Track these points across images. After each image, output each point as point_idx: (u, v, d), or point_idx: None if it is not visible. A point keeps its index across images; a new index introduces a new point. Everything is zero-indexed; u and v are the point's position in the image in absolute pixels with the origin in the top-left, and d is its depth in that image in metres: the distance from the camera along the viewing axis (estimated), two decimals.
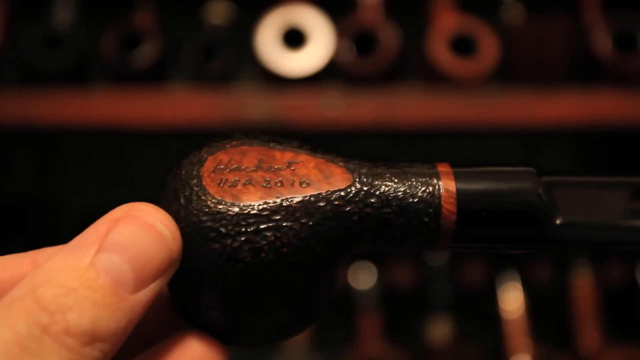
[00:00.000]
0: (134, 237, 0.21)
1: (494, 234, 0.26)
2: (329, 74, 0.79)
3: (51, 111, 0.74)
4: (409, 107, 0.74)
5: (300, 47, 0.77)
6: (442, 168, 0.26)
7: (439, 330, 0.85)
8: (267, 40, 0.77)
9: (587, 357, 0.82)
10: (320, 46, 0.77)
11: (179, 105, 0.75)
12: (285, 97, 0.74)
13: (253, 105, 0.73)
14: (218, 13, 0.83)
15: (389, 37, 0.77)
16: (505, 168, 0.26)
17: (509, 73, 0.81)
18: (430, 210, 0.25)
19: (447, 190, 0.25)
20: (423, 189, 0.25)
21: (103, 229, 0.21)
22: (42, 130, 0.77)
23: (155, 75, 0.80)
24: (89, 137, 0.92)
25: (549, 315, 0.88)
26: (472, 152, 0.92)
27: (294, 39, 0.78)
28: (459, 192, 0.25)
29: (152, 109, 0.74)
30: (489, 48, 0.77)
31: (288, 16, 0.78)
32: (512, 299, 0.84)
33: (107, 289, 0.20)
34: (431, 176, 0.26)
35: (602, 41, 0.75)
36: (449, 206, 0.25)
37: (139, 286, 0.20)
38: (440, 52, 0.76)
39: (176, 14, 0.84)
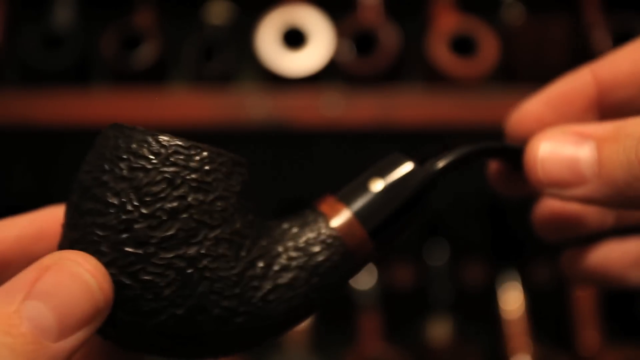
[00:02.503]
0: (60, 286, 0.21)
1: (406, 216, 0.29)
2: (329, 74, 0.79)
3: (51, 111, 0.74)
4: (409, 107, 0.74)
5: (300, 47, 0.77)
6: (327, 205, 0.29)
7: (439, 330, 0.85)
8: (267, 40, 0.77)
9: (587, 357, 0.82)
10: (320, 46, 0.77)
11: (179, 105, 0.75)
12: (285, 97, 0.74)
13: (253, 105, 0.73)
14: (218, 13, 0.83)
15: (389, 37, 0.77)
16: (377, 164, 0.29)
17: (509, 73, 0.81)
18: (338, 257, 0.27)
19: (344, 223, 0.28)
20: (320, 241, 0.27)
21: (32, 276, 0.21)
22: (42, 130, 0.77)
23: (155, 75, 0.80)
24: (89, 137, 0.91)
25: (549, 315, 0.88)
26: None
27: (294, 39, 0.78)
28: (357, 214, 0.28)
29: (152, 109, 0.74)
30: (489, 48, 0.77)
31: (288, 16, 0.78)
32: (512, 299, 0.84)
33: (29, 336, 0.20)
34: (317, 221, 0.28)
35: (602, 41, 0.75)
36: (353, 236, 0.28)
37: (62, 335, 0.21)
38: (440, 52, 0.76)
39: (176, 14, 0.84)
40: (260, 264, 0.26)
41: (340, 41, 0.77)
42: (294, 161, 0.91)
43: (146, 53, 0.77)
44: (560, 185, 0.29)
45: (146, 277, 0.24)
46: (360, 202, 0.28)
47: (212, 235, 0.25)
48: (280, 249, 0.27)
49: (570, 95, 0.33)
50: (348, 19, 0.79)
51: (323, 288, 0.27)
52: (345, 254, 0.27)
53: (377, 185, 0.28)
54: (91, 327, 0.22)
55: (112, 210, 0.24)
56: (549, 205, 0.36)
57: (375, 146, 0.91)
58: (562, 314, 0.86)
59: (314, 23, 0.78)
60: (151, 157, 0.24)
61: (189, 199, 0.24)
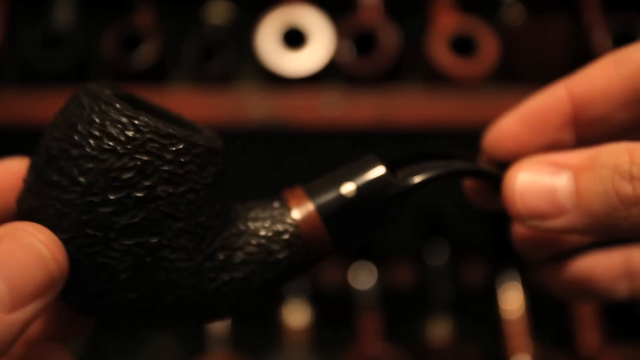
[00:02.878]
0: (12, 257, 0.21)
1: (367, 215, 0.29)
2: (329, 74, 0.79)
3: (51, 111, 0.73)
4: (409, 107, 0.74)
5: (300, 47, 0.77)
6: (295, 197, 0.29)
7: (439, 330, 0.85)
8: (267, 40, 0.77)
9: (587, 357, 0.82)
10: (320, 46, 0.77)
11: (179, 105, 0.74)
12: (285, 97, 0.74)
13: (253, 105, 0.73)
14: (218, 13, 0.83)
15: (389, 37, 0.77)
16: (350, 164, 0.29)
17: (509, 73, 0.81)
18: (296, 255, 0.28)
19: (306, 219, 0.28)
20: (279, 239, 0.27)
21: None
22: (42, 130, 0.77)
23: (155, 75, 0.80)
24: None
25: (549, 315, 0.88)
26: (472, 152, 0.92)
27: (294, 39, 0.78)
28: (322, 213, 0.28)
29: None
30: (489, 48, 0.77)
31: (288, 16, 0.78)
32: (512, 299, 0.84)
33: None
34: (282, 216, 0.28)
35: (602, 41, 0.75)
36: (313, 234, 0.28)
37: (15, 306, 0.21)
38: (440, 52, 0.76)
39: (176, 14, 0.84)
40: (221, 256, 0.26)
41: (340, 41, 0.77)
42: (294, 161, 0.91)
43: (146, 53, 0.77)
44: (539, 217, 0.29)
45: (103, 260, 0.23)
46: (326, 201, 0.28)
47: (175, 227, 0.24)
48: (241, 241, 0.27)
49: (545, 111, 0.33)
50: (348, 19, 0.79)
51: (276, 282, 0.28)
52: (304, 250, 0.28)
53: (347, 187, 0.28)
54: (46, 297, 0.22)
55: (77, 189, 0.23)
56: None
57: (375, 146, 0.91)
58: (562, 314, 0.86)
59: (314, 23, 0.78)
60: (125, 141, 0.23)
61: (158, 190, 0.24)
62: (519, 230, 0.36)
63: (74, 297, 0.25)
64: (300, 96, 0.75)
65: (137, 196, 0.23)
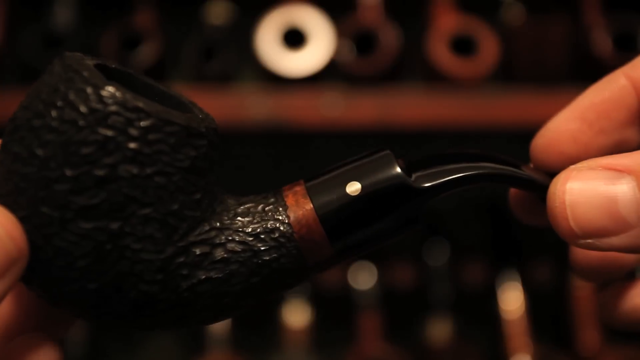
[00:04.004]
0: None
1: (374, 223, 0.25)
2: (329, 74, 0.79)
3: None
4: (409, 107, 0.74)
5: (300, 47, 0.77)
6: (293, 195, 0.25)
7: (439, 330, 0.85)
8: (267, 40, 0.77)
9: (587, 357, 0.82)
10: (320, 46, 0.77)
11: None
12: (285, 97, 0.74)
13: (253, 105, 0.73)
14: (218, 13, 0.83)
15: (389, 37, 0.77)
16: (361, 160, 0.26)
17: (509, 73, 0.81)
18: (287, 260, 0.24)
19: (304, 221, 0.24)
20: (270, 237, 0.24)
21: None
22: None
23: (155, 75, 0.80)
24: None
25: (549, 315, 0.88)
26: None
27: (294, 39, 0.78)
28: (322, 215, 0.24)
29: None
30: (489, 48, 0.76)
31: (288, 16, 0.78)
32: (512, 299, 0.84)
33: None
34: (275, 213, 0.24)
35: (602, 41, 0.75)
36: (310, 239, 0.24)
37: None
38: (440, 52, 0.76)
39: (176, 14, 0.84)
40: (197, 251, 0.23)
41: (340, 41, 0.77)
42: (294, 161, 0.91)
43: (146, 53, 0.77)
44: (597, 234, 0.23)
45: (59, 244, 0.22)
46: (327, 200, 0.24)
47: (141, 212, 0.22)
48: (223, 237, 0.24)
49: (606, 106, 0.28)
50: (348, 19, 0.79)
51: (262, 289, 0.24)
52: (296, 254, 0.24)
53: (353, 186, 0.25)
54: (7, 278, 0.21)
55: (35, 162, 0.21)
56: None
57: (375, 146, 0.91)
58: (562, 314, 0.86)
59: (314, 23, 0.78)
60: (86, 112, 0.21)
61: (121, 169, 0.21)
62: (577, 257, 0.30)
63: (36, 283, 0.23)
64: (300, 96, 0.75)
65: (96, 175, 0.21)
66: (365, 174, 0.25)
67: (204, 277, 0.23)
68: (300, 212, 0.24)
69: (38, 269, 0.22)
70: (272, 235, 0.24)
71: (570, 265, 0.31)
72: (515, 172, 0.27)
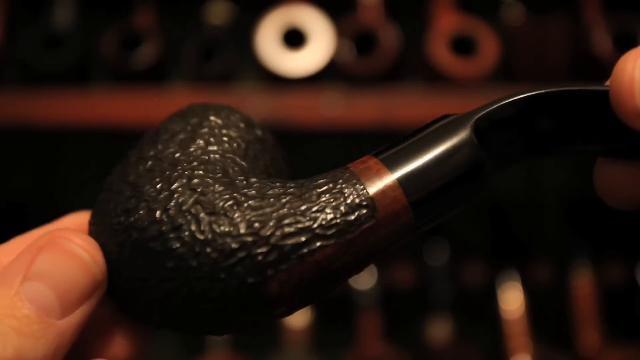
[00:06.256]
0: (56, 264, 0.22)
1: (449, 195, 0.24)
2: (329, 74, 0.79)
3: (51, 111, 0.74)
4: (409, 107, 0.74)
5: (300, 47, 0.77)
6: (365, 166, 0.24)
7: (439, 330, 0.85)
8: (267, 40, 0.77)
9: (587, 357, 0.82)
10: (320, 46, 0.77)
11: (179, 105, 0.74)
12: (285, 97, 0.74)
13: (253, 105, 0.73)
14: (218, 13, 0.83)
15: (389, 37, 0.77)
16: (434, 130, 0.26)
17: (509, 73, 0.81)
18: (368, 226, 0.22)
19: (383, 189, 0.23)
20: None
21: (27, 259, 0.21)
22: (42, 130, 0.77)
23: (155, 75, 0.80)
24: (89, 137, 0.92)
25: (549, 315, 0.88)
26: None
27: (294, 39, 0.78)
28: (401, 181, 0.23)
29: (152, 109, 0.74)
30: (489, 48, 0.77)
31: (288, 16, 0.78)
32: (512, 299, 0.84)
33: (33, 317, 0.20)
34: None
35: (602, 41, 0.75)
36: (392, 205, 0.23)
37: (65, 311, 0.21)
38: (440, 52, 0.76)
39: (176, 14, 0.84)
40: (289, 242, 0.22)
41: (340, 41, 0.77)
42: (294, 161, 0.91)
43: (146, 53, 0.77)
44: None
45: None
46: (405, 168, 0.24)
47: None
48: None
49: None
50: (348, 19, 0.79)
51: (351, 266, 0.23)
52: (377, 224, 0.23)
53: (429, 154, 0.24)
54: (93, 299, 0.22)
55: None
56: None
57: (376, 146, 0.91)
58: (562, 314, 0.86)
59: (314, 23, 0.78)
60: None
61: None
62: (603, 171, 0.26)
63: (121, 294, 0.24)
64: (300, 96, 0.75)
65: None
66: (437, 139, 0.25)
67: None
68: (378, 180, 0.23)
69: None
70: (349, 202, 0.23)
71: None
72: (567, 88, 0.25)
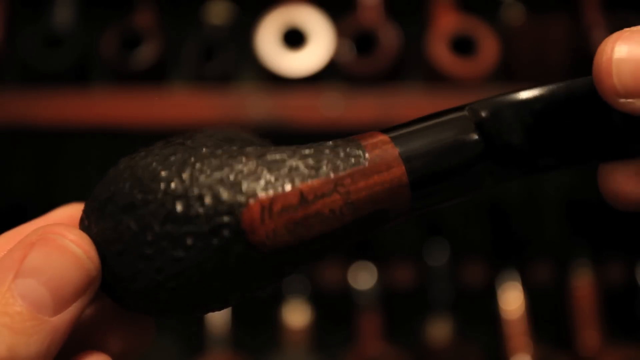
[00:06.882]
0: (48, 260, 0.21)
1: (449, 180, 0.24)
2: (329, 74, 0.79)
3: (51, 111, 0.74)
4: (409, 107, 0.74)
5: (300, 47, 0.77)
6: (370, 137, 0.25)
7: (439, 330, 0.85)
8: (267, 40, 0.77)
9: (587, 357, 0.82)
10: (320, 46, 0.77)
11: (179, 105, 0.75)
12: (285, 97, 0.74)
13: (253, 105, 0.73)
14: (218, 13, 0.83)
15: (389, 37, 0.77)
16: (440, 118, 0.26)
17: (509, 73, 0.81)
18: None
19: (383, 157, 0.23)
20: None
21: (19, 255, 0.21)
22: (42, 130, 0.77)
23: (155, 75, 0.80)
24: (89, 137, 0.92)
25: (549, 315, 0.88)
26: None
27: (294, 39, 0.78)
28: (404, 157, 0.23)
29: (152, 109, 0.74)
30: (489, 48, 0.77)
31: (288, 16, 0.78)
32: (512, 299, 0.84)
33: (25, 314, 0.20)
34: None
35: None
36: (384, 154, 0.23)
37: (58, 307, 0.21)
38: (440, 52, 0.77)
39: (176, 14, 0.85)
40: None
41: (340, 41, 0.77)
42: None
43: (146, 53, 0.77)
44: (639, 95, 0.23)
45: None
46: (398, 131, 0.24)
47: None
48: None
49: None
50: (348, 19, 0.79)
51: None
52: (368, 169, 0.23)
53: (425, 122, 0.25)
54: (87, 295, 0.22)
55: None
56: None
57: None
58: (562, 314, 0.86)
59: (314, 23, 0.78)
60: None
61: None
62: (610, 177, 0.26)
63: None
64: (300, 96, 0.75)
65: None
66: (444, 128, 0.25)
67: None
68: (380, 149, 0.24)
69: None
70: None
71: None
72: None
